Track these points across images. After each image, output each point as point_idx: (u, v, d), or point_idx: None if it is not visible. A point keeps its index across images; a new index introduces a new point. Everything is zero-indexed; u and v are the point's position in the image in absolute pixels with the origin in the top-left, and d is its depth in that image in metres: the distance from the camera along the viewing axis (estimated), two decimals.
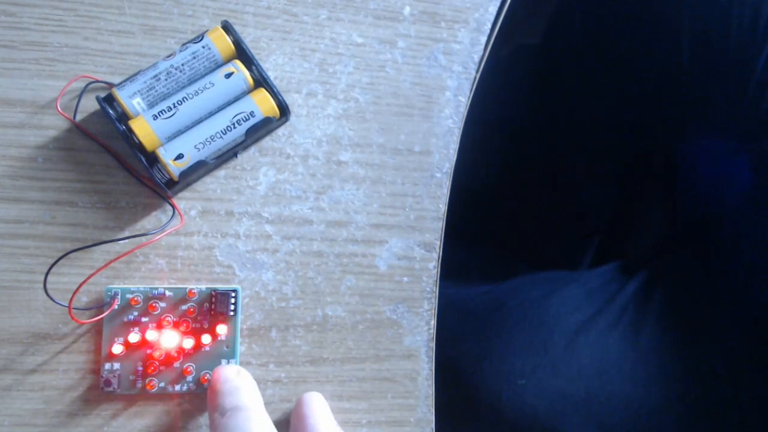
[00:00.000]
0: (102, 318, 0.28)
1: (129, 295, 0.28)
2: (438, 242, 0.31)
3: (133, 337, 0.28)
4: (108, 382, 0.27)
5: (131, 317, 0.28)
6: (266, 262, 0.30)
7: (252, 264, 0.30)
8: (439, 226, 0.31)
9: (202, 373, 0.28)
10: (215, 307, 0.28)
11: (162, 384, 0.28)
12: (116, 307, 0.28)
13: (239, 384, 0.27)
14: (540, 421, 0.40)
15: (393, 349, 0.30)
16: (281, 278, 0.30)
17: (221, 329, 0.28)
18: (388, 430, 0.30)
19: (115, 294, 0.28)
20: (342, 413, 0.30)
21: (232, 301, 0.28)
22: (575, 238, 0.53)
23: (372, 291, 0.30)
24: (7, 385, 0.28)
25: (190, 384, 0.28)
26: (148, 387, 0.28)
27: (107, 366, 0.28)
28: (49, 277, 0.27)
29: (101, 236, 0.29)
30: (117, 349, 0.28)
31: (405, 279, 0.31)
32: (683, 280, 0.43)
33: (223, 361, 0.28)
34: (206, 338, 0.28)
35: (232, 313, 0.28)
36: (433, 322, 0.31)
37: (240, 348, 0.29)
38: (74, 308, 0.27)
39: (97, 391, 0.28)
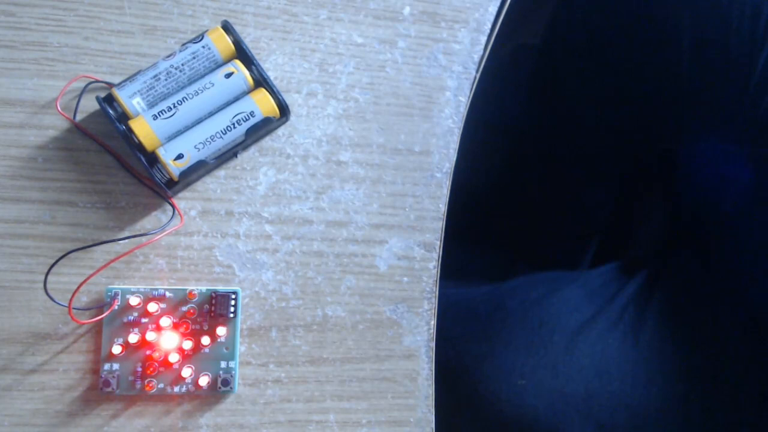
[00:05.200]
0: (102, 318, 0.28)
1: (129, 296, 0.28)
2: (438, 242, 0.31)
3: (133, 338, 0.28)
4: (107, 383, 0.27)
5: (131, 318, 0.28)
6: (266, 262, 0.30)
7: (252, 264, 0.30)
8: (439, 226, 0.31)
9: (201, 375, 0.28)
10: (215, 308, 0.28)
11: (161, 385, 0.28)
12: (116, 307, 0.28)
13: None
14: (540, 421, 0.40)
15: (393, 349, 0.30)
16: (281, 278, 0.30)
17: (221, 331, 0.28)
18: (388, 430, 0.30)
19: (115, 294, 0.28)
20: (342, 413, 0.30)
21: (232, 303, 0.28)
22: (575, 238, 0.53)
23: (372, 291, 0.30)
24: (7, 385, 0.28)
25: (189, 386, 0.28)
26: (147, 388, 0.28)
27: (106, 367, 0.28)
28: (49, 277, 0.27)
29: (101, 236, 0.29)
30: (116, 349, 0.28)
31: (405, 279, 0.31)
32: (683, 280, 0.43)
33: (223, 363, 0.28)
34: (206, 340, 0.28)
35: (232, 315, 0.28)
36: (433, 322, 0.31)
37: (240, 348, 0.29)
38: (74, 308, 0.27)
39: (97, 392, 0.28)
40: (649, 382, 0.39)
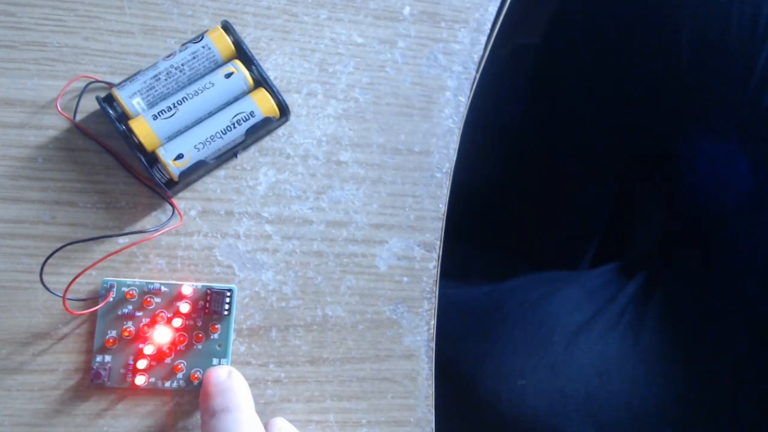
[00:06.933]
0: (96, 310, 0.28)
1: (125, 289, 0.28)
2: (438, 242, 0.31)
3: (126, 331, 0.28)
4: (98, 375, 0.27)
5: (126, 311, 0.28)
6: (266, 262, 0.30)
7: (252, 264, 0.30)
8: (439, 226, 0.31)
9: (192, 371, 0.28)
10: (210, 305, 0.28)
11: (152, 379, 0.28)
12: (111, 299, 0.28)
13: (229, 385, 0.27)
14: (540, 421, 0.40)
15: (393, 349, 0.30)
16: (281, 278, 0.30)
17: (214, 328, 0.28)
18: (388, 430, 0.30)
19: (111, 286, 0.28)
20: (342, 413, 0.30)
21: (227, 300, 0.28)
22: (575, 238, 0.53)
23: (372, 291, 0.30)
24: (7, 385, 0.28)
25: (181, 381, 0.28)
26: (138, 382, 0.28)
27: (98, 358, 0.28)
28: (48, 276, 0.27)
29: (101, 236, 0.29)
30: (109, 341, 0.28)
31: (405, 279, 0.31)
32: (683, 280, 0.43)
33: (215, 360, 0.28)
34: (199, 336, 0.28)
35: (226, 313, 0.28)
36: (433, 322, 0.31)
37: (240, 348, 0.29)
38: (69, 299, 0.27)
39: (98, 391, 0.28)
40: (649, 382, 0.39)
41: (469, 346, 0.42)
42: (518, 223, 0.53)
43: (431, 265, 0.31)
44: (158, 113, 0.27)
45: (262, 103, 0.28)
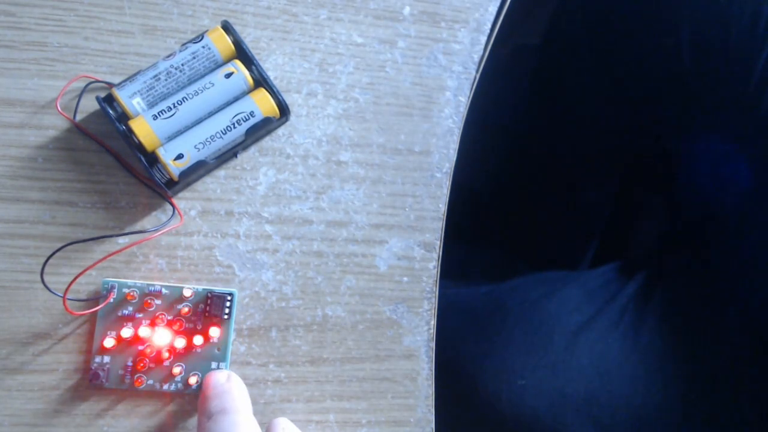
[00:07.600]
0: (96, 310, 0.28)
1: (125, 290, 0.28)
2: (438, 242, 0.31)
3: (126, 333, 0.28)
4: (96, 376, 0.27)
5: (126, 312, 0.28)
6: (266, 262, 0.30)
7: (252, 264, 0.30)
8: (439, 226, 0.31)
9: (191, 374, 0.28)
10: (210, 309, 0.28)
11: (150, 381, 0.28)
12: (111, 300, 0.28)
13: (228, 388, 0.27)
14: (540, 421, 0.40)
15: (393, 349, 0.30)
16: (281, 278, 0.30)
17: (214, 332, 0.28)
18: (388, 430, 0.30)
19: (112, 287, 0.28)
20: (342, 413, 0.30)
21: (227, 304, 0.28)
22: (575, 238, 0.53)
23: (372, 291, 0.30)
24: (7, 385, 0.28)
25: (179, 384, 0.28)
26: (136, 384, 0.28)
27: (97, 359, 0.28)
28: (48, 276, 0.27)
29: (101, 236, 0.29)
30: (109, 342, 0.28)
31: (405, 279, 0.31)
32: (683, 279, 0.43)
33: (213, 364, 0.28)
34: (198, 339, 0.28)
35: (226, 317, 0.28)
36: (433, 322, 0.31)
37: (240, 348, 0.29)
38: (69, 299, 0.27)
39: (98, 391, 0.28)
40: (649, 382, 0.39)
41: (469, 346, 0.42)
42: (518, 223, 0.53)
43: (431, 265, 0.31)
44: (158, 113, 0.27)
45: (262, 103, 0.28)
